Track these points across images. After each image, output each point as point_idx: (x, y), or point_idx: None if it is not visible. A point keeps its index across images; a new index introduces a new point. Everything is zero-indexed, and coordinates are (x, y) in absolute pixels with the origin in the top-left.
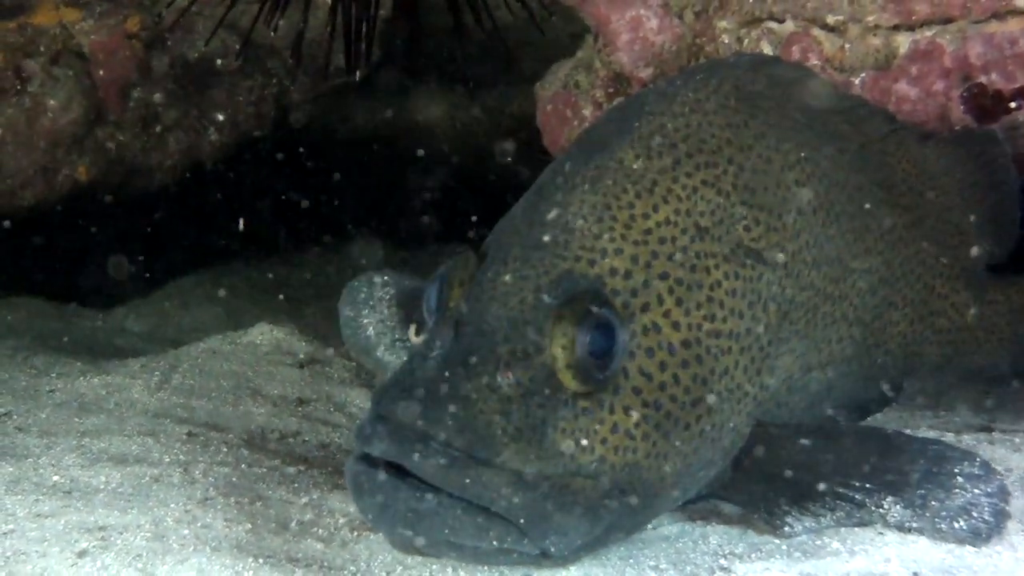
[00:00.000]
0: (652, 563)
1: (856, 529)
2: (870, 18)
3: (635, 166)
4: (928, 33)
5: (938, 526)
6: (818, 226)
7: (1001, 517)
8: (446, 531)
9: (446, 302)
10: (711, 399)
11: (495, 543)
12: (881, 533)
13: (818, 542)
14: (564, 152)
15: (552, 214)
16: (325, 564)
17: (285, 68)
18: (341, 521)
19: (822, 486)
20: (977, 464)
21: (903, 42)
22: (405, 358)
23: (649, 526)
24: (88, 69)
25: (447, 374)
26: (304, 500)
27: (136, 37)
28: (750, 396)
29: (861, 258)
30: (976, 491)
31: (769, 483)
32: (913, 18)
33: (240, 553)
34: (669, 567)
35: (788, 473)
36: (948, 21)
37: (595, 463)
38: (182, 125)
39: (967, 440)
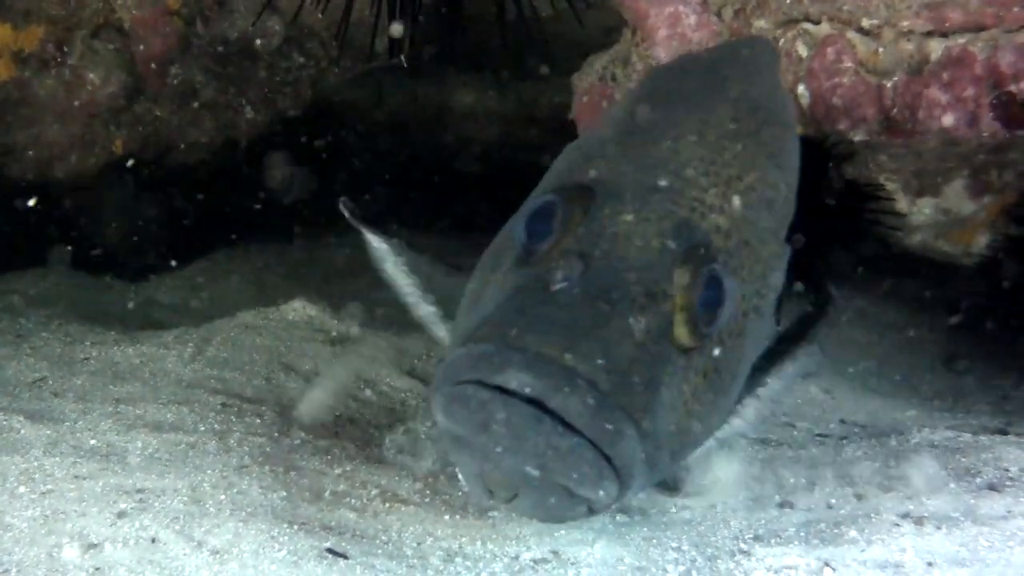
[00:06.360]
0: (674, 544)
1: (874, 518)
2: (904, 23)
3: (731, 127)
4: (961, 40)
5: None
6: None
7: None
8: (573, 476)
9: (562, 233)
10: (743, 368)
11: (600, 493)
12: (898, 525)
13: (836, 530)
14: (646, 86)
15: (663, 157)
16: (358, 533)
17: (323, 50)
18: (374, 492)
19: None
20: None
21: (936, 48)
22: (410, 281)
23: (672, 509)
24: (128, 44)
25: (586, 311)
26: (337, 471)
27: (177, 14)
28: (750, 367)
29: None
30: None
31: None
32: (947, 25)
33: (275, 519)
34: (691, 548)
35: None
36: (981, 29)
37: (673, 424)
38: (219, 103)
39: (984, 440)
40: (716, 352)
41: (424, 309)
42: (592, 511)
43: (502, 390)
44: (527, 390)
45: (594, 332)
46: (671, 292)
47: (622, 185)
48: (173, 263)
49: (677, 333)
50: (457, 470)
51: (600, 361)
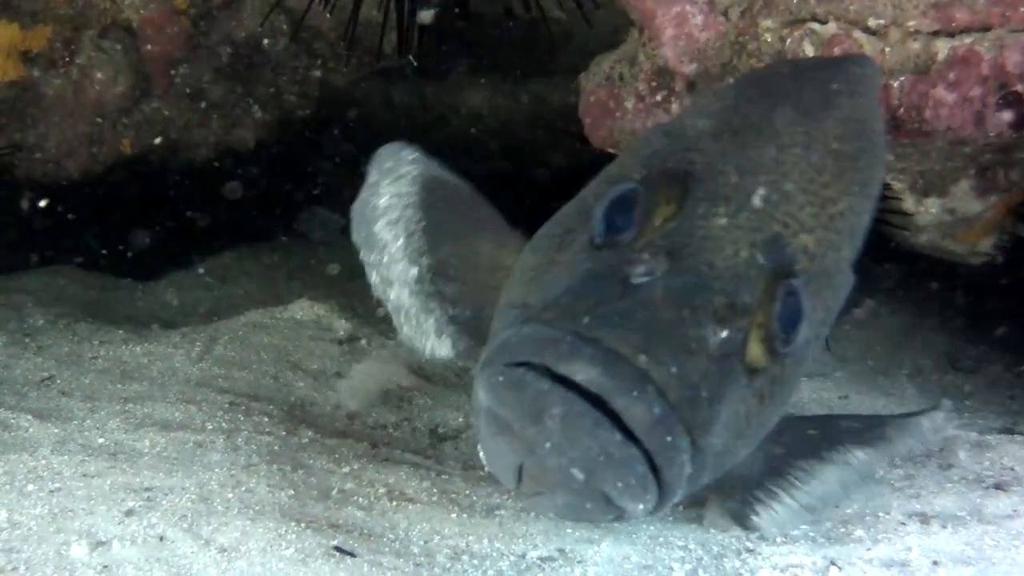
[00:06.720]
0: (681, 543)
1: (880, 517)
2: (911, 23)
3: (835, 146)
4: (967, 40)
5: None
6: None
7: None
8: (618, 485)
9: (648, 224)
10: (791, 393)
11: (640, 507)
12: (904, 523)
13: (842, 529)
14: (749, 83)
15: (764, 164)
16: (365, 531)
17: (331, 50)
18: (381, 491)
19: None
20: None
21: (942, 48)
22: (404, 240)
23: (680, 509)
24: (136, 44)
25: (666, 313)
26: (345, 470)
27: (184, 14)
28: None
29: None
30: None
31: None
32: (953, 25)
33: (283, 518)
34: (697, 547)
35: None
36: (987, 29)
37: (722, 444)
38: (226, 103)
39: (990, 440)
40: (776, 376)
41: (403, 269)
42: (620, 519)
43: (561, 380)
44: (593, 386)
45: (672, 337)
46: (753, 308)
47: (719, 186)
48: (185, 263)
49: (751, 351)
50: (479, 449)
51: (674, 369)
